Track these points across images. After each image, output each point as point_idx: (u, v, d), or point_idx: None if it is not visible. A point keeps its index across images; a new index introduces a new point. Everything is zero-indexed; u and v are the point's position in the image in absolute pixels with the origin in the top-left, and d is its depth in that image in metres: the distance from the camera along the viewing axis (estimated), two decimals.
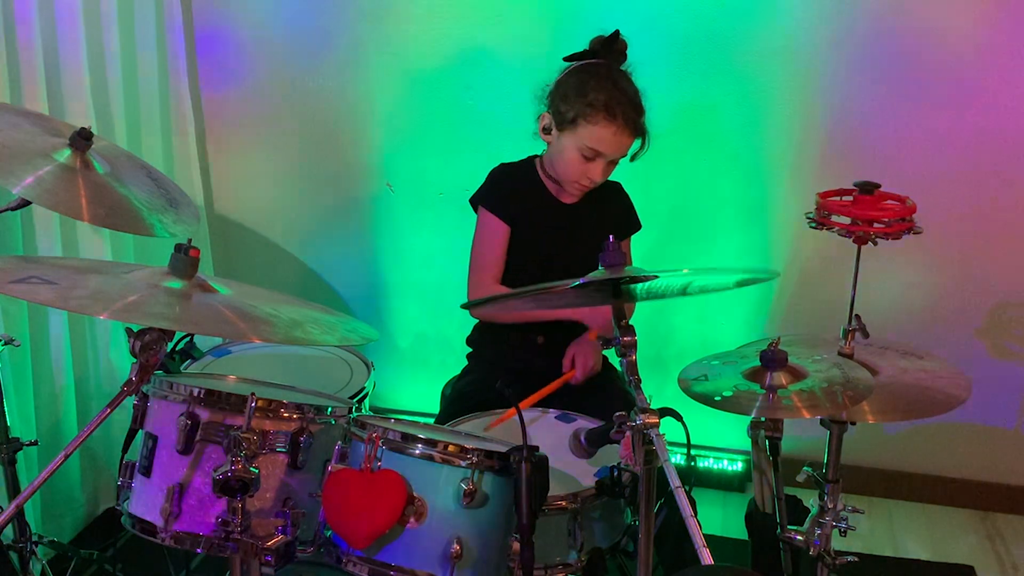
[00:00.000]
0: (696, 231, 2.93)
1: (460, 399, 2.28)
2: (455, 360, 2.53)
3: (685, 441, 1.62)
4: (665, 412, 1.56)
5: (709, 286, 2.13)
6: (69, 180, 1.78)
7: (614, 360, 1.67)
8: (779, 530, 2.03)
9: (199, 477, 1.53)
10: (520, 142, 2.38)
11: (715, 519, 2.87)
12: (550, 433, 1.99)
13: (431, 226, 3.07)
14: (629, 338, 1.59)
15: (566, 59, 2.27)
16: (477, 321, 2.46)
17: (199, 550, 1.52)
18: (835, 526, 1.95)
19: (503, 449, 1.53)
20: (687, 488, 1.46)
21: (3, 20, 2.24)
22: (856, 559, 1.95)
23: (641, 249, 2.50)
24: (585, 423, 2.00)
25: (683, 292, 1.84)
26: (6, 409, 2.08)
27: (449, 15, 2.87)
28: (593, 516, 1.76)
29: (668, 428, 1.54)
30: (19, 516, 2.12)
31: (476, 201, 2.37)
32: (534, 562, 1.48)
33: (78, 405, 2.57)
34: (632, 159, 2.26)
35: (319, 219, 3.17)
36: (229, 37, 3.02)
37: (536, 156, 2.39)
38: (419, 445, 1.53)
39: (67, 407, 2.53)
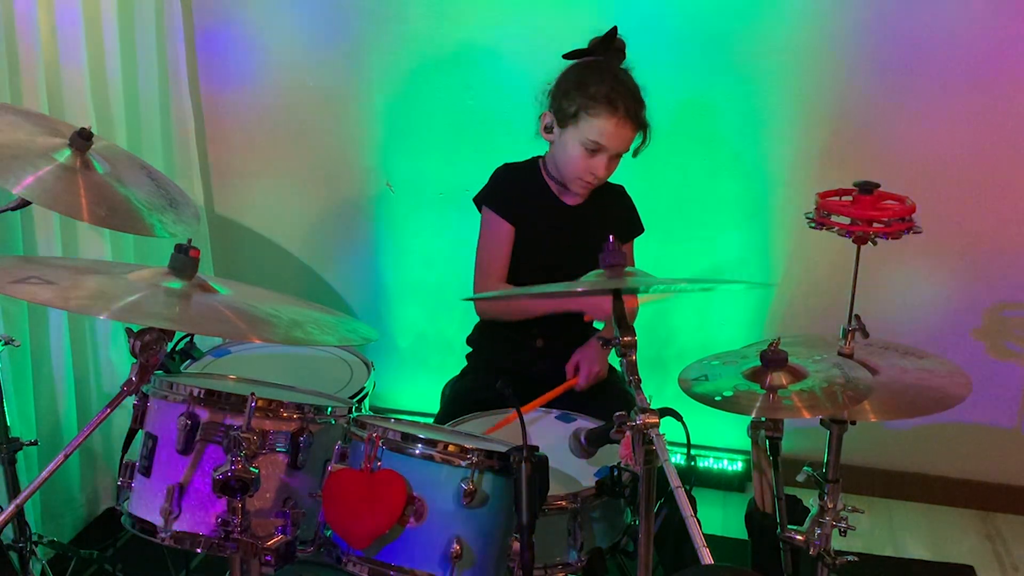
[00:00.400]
0: (696, 231, 2.93)
1: (460, 399, 2.28)
2: (455, 360, 2.53)
3: (685, 441, 1.63)
4: (665, 412, 1.56)
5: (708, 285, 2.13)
6: (69, 180, 1.78)
7: (614, 360, 1.67)
8: (779, 530, 2.03)
9: (199, 477, 1.53)
10: (520, 142, 2.38)
11: (715, 519, 2.87)
12: (550, 433, 1.99)
13: (431, 226, 3.07)
14: (629, 338, 1.59)
15: (566, 56, 2.28)
16: (477, 321, 2.46)
17: (199, 550, 1.52)
18: (835, 526, 1.95)
19: (503, 449, 1.53)
20: (687, 488, 1.46)
21: (3, 20, 2.24)
22: (856, 559, 1.95)
23: (641, 249, 2.50)
24: (585, 423, 2.00)
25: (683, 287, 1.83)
26: (6, 409, 2.08)
27: (449, 15, 2.87)
28: (593, 516, 1.76)
29: (668, 428, 1.54)
30: (19, 516, 2.12)
31: (480, 201, 2.37)
32: (534, 562, 1.48)
33: (78, 405, 2.56)
34: (634, 155, 2.26)
35: (319, 219, 3.17)
36: (229, 37, 3.02)
37: (539, 157, 2.39)
38: (419, 445, 1.53)
39: (67, 407, 2.53)
